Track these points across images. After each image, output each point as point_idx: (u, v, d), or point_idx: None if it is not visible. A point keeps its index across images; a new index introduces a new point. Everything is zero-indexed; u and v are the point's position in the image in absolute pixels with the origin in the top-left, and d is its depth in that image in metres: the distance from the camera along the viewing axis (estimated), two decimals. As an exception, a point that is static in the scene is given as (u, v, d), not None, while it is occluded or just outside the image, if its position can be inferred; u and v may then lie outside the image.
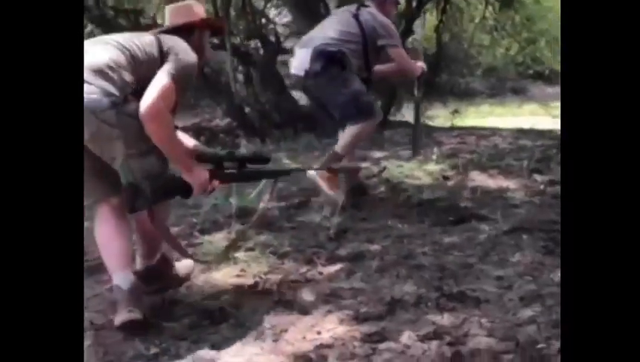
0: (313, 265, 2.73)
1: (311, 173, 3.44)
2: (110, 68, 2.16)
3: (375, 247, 2.91)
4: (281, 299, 2.39)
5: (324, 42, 3.44)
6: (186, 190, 2.28)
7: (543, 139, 5.24)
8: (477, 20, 11.34)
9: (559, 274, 2.43)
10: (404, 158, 4.80)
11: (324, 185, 3.40)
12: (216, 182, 2.39)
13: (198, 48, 2.47)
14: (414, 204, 3.56)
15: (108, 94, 2.11)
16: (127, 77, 2.19)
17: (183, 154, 2.31)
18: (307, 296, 2.42)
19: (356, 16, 3.52)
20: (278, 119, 7.73)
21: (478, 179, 4.10)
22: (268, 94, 8.25)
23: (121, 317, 2.11)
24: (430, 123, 8.76)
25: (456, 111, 9.98)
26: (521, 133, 6.16)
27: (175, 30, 2.47)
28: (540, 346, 1.90)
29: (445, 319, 2.14)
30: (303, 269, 2.68)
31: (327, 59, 3.39)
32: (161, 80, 2.20)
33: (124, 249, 2.25)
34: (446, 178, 4.16)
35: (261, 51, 8.97)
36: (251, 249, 2.92)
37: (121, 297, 2.15)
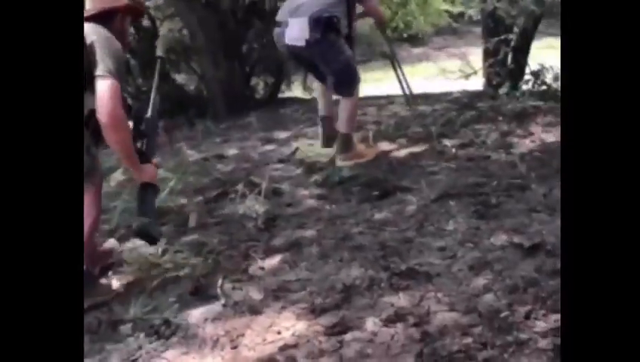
0: (251, 259, 2.63)
1: (341, 163, 3.73)
2: None
3: (310, 233, 2.85)
4: (227, 302, 2.28)
5: (317, 9, 3.49)
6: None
7: (438, 103, 5.37)
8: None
9: (500, 238, 2.50)
10: (310, 137, 4.73)
11: (359, 160, 3.77)
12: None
13: (120, 35, 2.42)
14: (335, 182, 3.51)
15: None
16: None
17: (134, 154, 2.37)
18: (255, 294, 2.33)
19: None
20: (168, 107, 7.40)
21: (390, 149, 4.13)
22: (151, 82, 7.85)
23: None
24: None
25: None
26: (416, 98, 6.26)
27: (94, 16, 2.36)
28: (503, 314, 1.94)
29: (402, 299, 2.14)
30: (243, 266, 2.57)
31: (325, 25, 3.49)
32: (106, 84, 2.21)
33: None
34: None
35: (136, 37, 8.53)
36: (179, 251, 2.76)
37: None
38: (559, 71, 4.98)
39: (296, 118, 5.80)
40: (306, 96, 7.24)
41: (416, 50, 16.02)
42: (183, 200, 3.41)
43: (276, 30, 3.75)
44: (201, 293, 2.38)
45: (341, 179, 3.53)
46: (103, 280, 2.59)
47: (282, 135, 5.06)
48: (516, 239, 2.46)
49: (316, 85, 4.29)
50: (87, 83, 2.24)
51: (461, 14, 11.48)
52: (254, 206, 3.23)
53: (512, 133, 4.08)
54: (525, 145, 3.78)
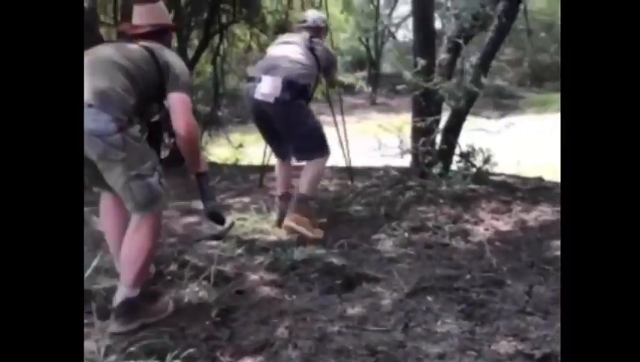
0: (218, 364, 2.24)
1: (288, 223, 3.69)
2: (115, 92, 2.35)
3: (280, 331, 2.50)
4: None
5: (292, 73, 3.67)
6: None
7: (368, 178, 5.25)
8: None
9: (503, 346, 2.30)
10: (239, 208, 4.41)
11: (305, 230, 3.66)
12: None
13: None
14: (287, 267, 3.20)
15: (115, 119, 2.30)
16: (131, 100, 2.41)
17: (200, 153, 2.77)
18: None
19: (312, 50, 3.87)
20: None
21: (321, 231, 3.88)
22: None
23: None
24: (218, 161, 8.40)
25: (240, 146, 9.69)
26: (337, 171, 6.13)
27: (150, 33, 2.72)
28: None
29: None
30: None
31: (296, 90, 3.65)
32: (182, 99, 2.55)
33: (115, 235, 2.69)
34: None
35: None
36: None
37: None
38: (489, 153, 5.06)
39: (214, 185, 5.43)
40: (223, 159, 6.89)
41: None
42: (112, 281, 2.95)
43: (247, 84, 3.80)
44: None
45: (294, 263, 3.23)
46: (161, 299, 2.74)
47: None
48: (521, 347, 2.28)
49: (275, 161, 4.17)
50: (158, 96, 2.60)
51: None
52: (200, 293, 2.85)
53: (460, 218, 4.00)
54: (481, 233, 3.69)
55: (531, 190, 4.67)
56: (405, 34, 32.45)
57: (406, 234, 3.69)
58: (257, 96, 3.67)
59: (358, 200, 4.43)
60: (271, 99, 3.62)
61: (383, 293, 2.85)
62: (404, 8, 33.06)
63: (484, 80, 4.67)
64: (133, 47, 2.62)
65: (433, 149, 5.23)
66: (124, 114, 2.35)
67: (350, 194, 4.60)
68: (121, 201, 2.54)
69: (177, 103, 2.54)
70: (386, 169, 5.48)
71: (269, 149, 5.40)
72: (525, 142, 10.62)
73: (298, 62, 3.77)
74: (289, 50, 3.88)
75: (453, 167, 5.25)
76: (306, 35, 4.01)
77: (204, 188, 2.84)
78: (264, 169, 5.51)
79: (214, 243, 3.69)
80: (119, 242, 2.60)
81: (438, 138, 5.32)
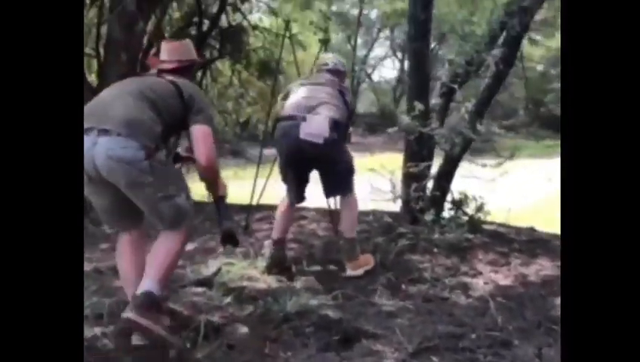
0: None
1: (352, 273, 3.77)
2: (144, 122, 2.54)
3: (279, 395, 2.32)
4: None
5: (336, 114, 3.69)
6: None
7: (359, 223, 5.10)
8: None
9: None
10: (223, 252, 4.22)
11: (366, 268, 3.80)
12: None
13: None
14: (280, 319, 3.02)
15: (143, 146, 2.48)
16: (157, 128, 2.60)
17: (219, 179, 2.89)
18: None
19: (342, 93, 3.89)
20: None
21: (314, 280, 3.70)
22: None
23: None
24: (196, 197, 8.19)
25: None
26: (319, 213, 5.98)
27: (176, 69, 2.94)
28: None
29: None
30: None
31: (341, 130, 3.72)
32: (204, 130, 2.74)
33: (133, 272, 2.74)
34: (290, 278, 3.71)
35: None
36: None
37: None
38: (482, 201, 4.96)
39: (196, 225, 5.24)
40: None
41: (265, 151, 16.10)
42: (97, 329, 2.77)
43: (285, 123, 3.73)
44: None
45: (287, 315, 3.05)
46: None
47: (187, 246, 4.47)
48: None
49: (280, 204, 3.99)
50: (181, 126, 2.80)
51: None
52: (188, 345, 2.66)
53: (457, 270, 3.86)
54: (481, 286, 3.56)
55: (528, 242, 4.57)
56: (381, 75, 33.00)
57: (403, 286, 3.54)
58: (303, 135, 3.59)
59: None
60: (320, 140, 3.57)
61: (384, 352, 2.68)
62: (381, 50, 33.73)
63: (480, 126, 4.59)
64: (160, 80, 2.84)
65: (425, 195, 5.14)
66: (151, 141, 2.52)
67: (341, 240, 4.43)
68: (139, 242, 2.80)
69: (199, 135, 2.73)
70: (375, 214, 5.35)
71: (258, 189, 5.33)
72: (513, 190, 10.66)
73: (335, 104, 3.77)
74: (324, 91, 3.83)
75: (445, 214, 5.14)
76: (333, 78, 4.00)
77: (222, 210, 2.93)
78: (251, 209, 5.34)
79: (200, 289, 3.49)
80: (136, 279, 2.67)
81: (430, 183, 5.23)
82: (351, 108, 3.95)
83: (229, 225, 2.95)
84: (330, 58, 4.22)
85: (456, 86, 5.10)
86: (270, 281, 3.63)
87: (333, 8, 23.59)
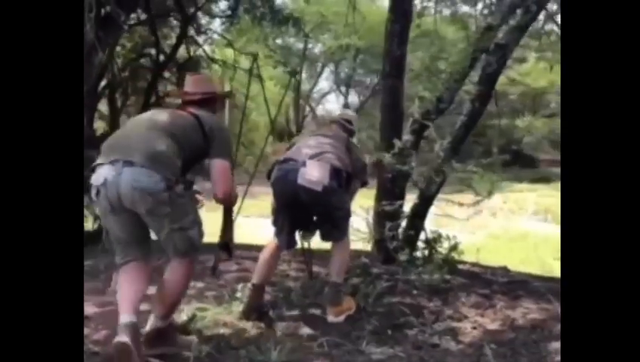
0: None
1: (334, 319, 3.60)
2: (166, 156, 2.71)
3: None
4: None
5: (338, 163, 3.59)
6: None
7: (323, 261, 4.96)
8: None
9: None
10: (193, 296, 4.00)
11: (344, 316, 3.64)
12: None
13: (218, 114, 3.24)
14: (263, 371, 2.84)
15: (164, 179, 2.65)
16: (178, 162, 2.77)
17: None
18: None
19: (348, 149, 3.79)
20: None
21: (295, 326, 3.53)
22: None
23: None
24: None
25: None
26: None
27: (200, 100, 3.11)
28: None
29: None
30: None
31: (340, 178, 3.59)
32: (223, 164, 2.94)
33: (135, 296, 2.77)
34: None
35: None
36: None
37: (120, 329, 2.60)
38: (457, 241, 4.91)
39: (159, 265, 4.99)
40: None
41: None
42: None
43: (282, 166, 3.63)
44: None
45: (271, 366, 2.88)
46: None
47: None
48: None
49: (267, 247, 3.79)
50: (201, 158, 2.99)
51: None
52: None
53: (441, 313, 3.76)
54: (469, 331, 3.45)
55: (507, 283, 4.51)
56: (325, 108, 33.36)
57: (389, 332, 3.41)
58: (301, 181, 3.47)
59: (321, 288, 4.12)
60: (318, 188, 3.45)
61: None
62: (325, 84, 34.12)
63: (456, 165, 4.55)
64: (182, 113, 3.00)
65: (397, 234, 5.05)
66: (172, 174, 2.70)
67: (317, 283, 4.29)
68: (146, 270, 2.89)
69: (218, 168, 2.92)
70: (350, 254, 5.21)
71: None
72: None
73: (339, 154, 3.67)
74: (330, 142, 3.76)
75: (418, 253, 5.06)
76: (343, 134, 3.96)
77: (228, 221, 3.18)
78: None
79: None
80: (134, 304, 2.76)
81: (402, 222, 5.15)
82: (361, 165, 3.89)
83: (230, 236, 3.21)
84: (350, 114, 4.26)
85: (430, 123, 5.07)
86: (248, 328, 3.44)
87: (278, 41, 23.80)
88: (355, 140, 4.10)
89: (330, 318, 3.60)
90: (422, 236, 5.09)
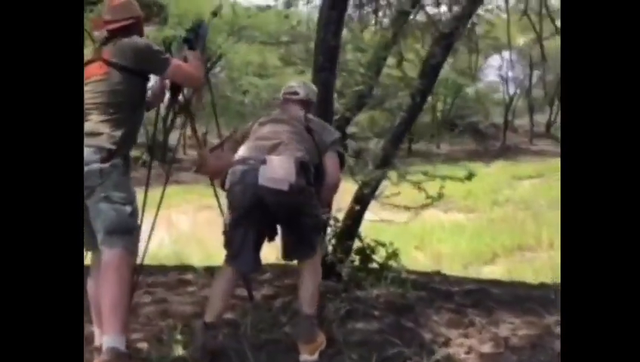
0: None
1: (307, 358, 3.02)
2: None
3: None
4: None
5: (299, 152, 3.04)
6: None
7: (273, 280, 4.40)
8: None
9: None
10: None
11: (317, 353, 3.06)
12: None
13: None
14: None
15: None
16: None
17: None
18: None
19: (309, 130, 3.23)
20: None
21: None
22: None
23: None
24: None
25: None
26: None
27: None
28: None
29: None
30: None
31: (308, 174, 3.03)
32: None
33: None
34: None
35: None
36: None
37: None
38: (394, 248, 4.57)
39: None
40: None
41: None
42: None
43: (239, 168, 3.00)
44: None
45: None
46: None
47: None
48: None
49: (219, 276, 3.15)
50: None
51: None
52: None
53: (417, 336, 3.33)
54: (464, 358, 3.07)
55: (465, 293, 4.21)
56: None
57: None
58: (262, 181, 2.88)
59: (275, 318, 3.57)
60: (284, 186, 2.87)
61: None
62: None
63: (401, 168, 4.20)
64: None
65: (328, 244, 4.60)
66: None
67: (269, 310, 3.71)
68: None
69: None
70: (275, 268, 4.68)
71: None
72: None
73: (299, 144, 3.11)
74: (285, 128, 3.19)
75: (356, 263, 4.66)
76: (298, 111, 3.36)
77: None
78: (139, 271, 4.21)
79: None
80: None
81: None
82: (332, 138, 3.30)
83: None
84: (300, 85, 3.53)
85: (353, 117, 4.73)
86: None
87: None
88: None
89: (304, 357, 3.03)
90: (356, 244, 4.70)
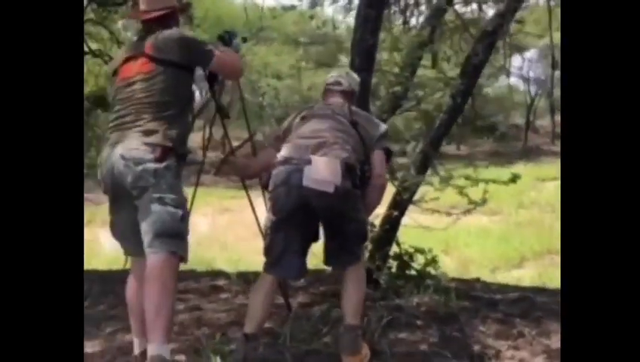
0: None
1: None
2: None
3: None
4: None
5: (345, 153, 2.89)
6: None
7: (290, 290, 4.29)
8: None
9: None
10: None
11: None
12: None
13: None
14: None
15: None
16: None
17: None
18: None
19: (354, 123, 3.08)
20: None
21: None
22: None
23: None
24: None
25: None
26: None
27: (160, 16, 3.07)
28: None
29: None
30: None
31: (354, 177, 2.89)
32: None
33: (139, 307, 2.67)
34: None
35: None
36: None
37: None
38: (433, 255, 4.46)
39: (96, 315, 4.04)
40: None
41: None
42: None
43: (282, 168, 2.88)
44: None
45: None
46: None
47: (88, 346, 3.34)
48: None
49: (259, 285, 3.02)
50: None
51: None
52: None
53: (467, 346, 3.21)
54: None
55: (511, 302, 4.06)
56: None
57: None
58: (308, 182, 2.76)
59: (302, 326, 3.45)
60: (330, 188, 2.74)
61: None
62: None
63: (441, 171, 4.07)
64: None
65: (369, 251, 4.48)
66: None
67: (308, 319, 3.59)
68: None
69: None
70: (309, 275, 4.56)
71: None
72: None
73: (346, 142, 2.97)
74: (329, 125, 3.05)
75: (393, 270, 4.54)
76: (342, 103, 3.23)
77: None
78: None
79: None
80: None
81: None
82: (379, 132, 3.14)
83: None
84: (341, 76, 3.38)
85: (389, 118, 4.62)
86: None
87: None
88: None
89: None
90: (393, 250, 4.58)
